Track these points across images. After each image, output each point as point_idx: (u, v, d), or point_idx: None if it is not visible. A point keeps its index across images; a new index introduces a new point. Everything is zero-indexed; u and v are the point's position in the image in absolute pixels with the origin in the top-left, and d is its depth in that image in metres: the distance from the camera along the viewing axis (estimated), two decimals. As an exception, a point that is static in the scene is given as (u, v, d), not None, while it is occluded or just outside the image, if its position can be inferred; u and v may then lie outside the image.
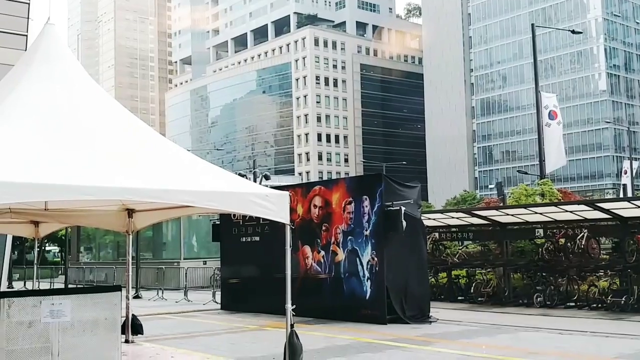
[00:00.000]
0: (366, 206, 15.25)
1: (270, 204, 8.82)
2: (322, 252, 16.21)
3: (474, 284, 19.88)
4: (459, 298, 20.30)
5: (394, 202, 14.90)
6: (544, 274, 18.54)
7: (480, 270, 20.39)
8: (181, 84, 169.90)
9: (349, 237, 15.59)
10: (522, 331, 13.44)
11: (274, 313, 14.93)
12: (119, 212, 11.78)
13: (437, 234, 21.43)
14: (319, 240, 16.27)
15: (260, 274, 17.69)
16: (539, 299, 18.08)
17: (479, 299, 19.43)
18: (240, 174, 28.44)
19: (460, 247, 22.49)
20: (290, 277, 8.98)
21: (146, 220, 12.20)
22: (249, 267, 18.39)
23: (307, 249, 16.55)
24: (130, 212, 11.73)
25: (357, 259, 15.39)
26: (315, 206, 16.45)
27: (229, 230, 18.81)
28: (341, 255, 15.75)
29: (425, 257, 16.31)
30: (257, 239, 18.05)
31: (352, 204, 15.58)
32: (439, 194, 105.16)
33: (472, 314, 16.77)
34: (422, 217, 16.34)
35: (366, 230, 15.22)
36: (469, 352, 10.58)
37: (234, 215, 17.82)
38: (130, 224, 11.86)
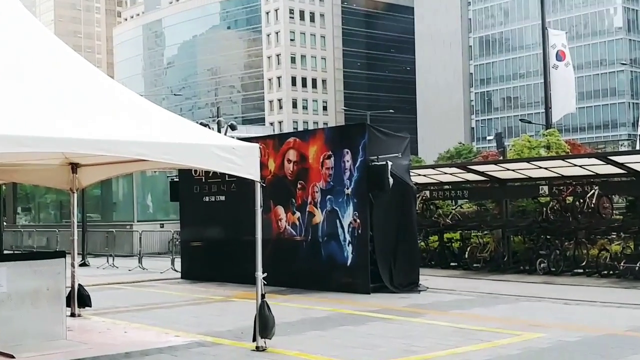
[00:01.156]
0: (347, 161, 15.32)
1: (238, 158, 8.80)
2: (297, 214, 16.29)
3: (468, 249, 20.06)
4: (452, 264, 20.52)
5: (380, 157, 14.98)
6: (548, 237, 18.74)
7: (476, 233, 20.55)
8: (132, 17, 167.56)
9: (328, 197, 15.69)
10: (523, 301, 13.65)
11: (243, 282, 15.02)
12: (62, 167, 11.68)
13: (427, 193, 21.51)
14: (293, 200, 16.37)
15: (227, 239, 17.77)
16: (542, 265, 18.33)
17: (475, 265, 19.66)
18: (202, 124, 28.26)
19: (454, 207, 22.65)
20: (261, 241, 9.01)
21: (93, 176, 12.15)
22: (214, 230, 18.41)
23: (280, 209, 16.62)
24: (74, 166, 11.64)
25: (338, 221, 15.51)
26: (289, 161, 16.47)
27: (189, 189, 18.77)
28: (319, 217, 15.86)
29: (415, 219, 16.44)
30: (223, 198, 18.08)
31: (332, 159, 15.63)
32: (431, 147, 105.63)
33: (467, 282, 16.97)
34: (411, 174, 16.39)
35: (347, 189, 15.33)
36: (462, 324, 10.75)
37: (196, 171, 17.72)
38: (75, 180, 11.78)
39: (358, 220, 15.13)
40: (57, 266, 9.80)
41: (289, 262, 16.01)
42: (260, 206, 9.09)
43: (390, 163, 14.81)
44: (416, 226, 16.64)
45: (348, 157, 15.28)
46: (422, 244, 20.39)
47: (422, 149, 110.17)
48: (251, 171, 8.96)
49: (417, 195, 19.17)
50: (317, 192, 15.91)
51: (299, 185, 16.28)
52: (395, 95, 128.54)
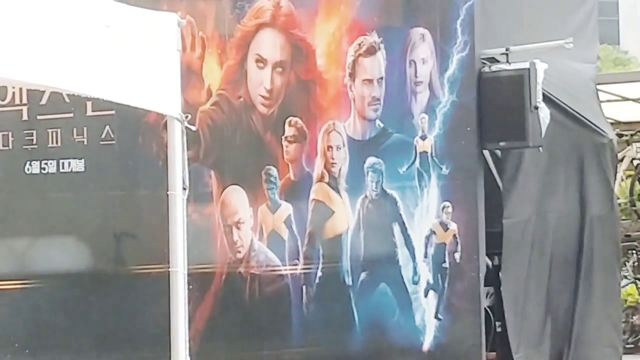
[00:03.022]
0: (423, 59, 7.74)
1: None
2: (284, 207, 7.98)
3: None
4: None
5: (512, 48, 7.70)
6: None
7: None
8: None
9: (370, 160, 7.72)
10: None
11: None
12: None
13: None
14: (273, 171, 7.96)
15: (86, 273, 8.45)
16: None
17: None
18: None
19: None
20: (188, 279, 4.18)
21: None
22: (53, 251, 8.66)
23: (238, 195, 8.11)
24: None
25: (396, 228, 7.76)
26: (261, 62, 7.92)
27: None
28: (344, 215, 7.91)
29: (617, 227, 8.25)
30: (80, 165, 8.38)
31: (379, 55, 7.81)
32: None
33: None
34: (601, 97, 8.36)
35: (423, 137, 7.68)
36: None
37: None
38: None
39: (453, 227, 7.61)
40: None
41: (262, 339, 7.88)
42: (184, 188, 4.03)
43: (543, 66, 7.41)
44: (619, 248, 8.24)
45: (424, 50, 7.77)
46: (635, 292, 10.02)
47: (628, 28, 49.95)
48: (158, 91, 3.97)
49: (620, 159, 9.52)
50: (338, 147, 7.76)
51: (288, 130, 7.88)
52: None
